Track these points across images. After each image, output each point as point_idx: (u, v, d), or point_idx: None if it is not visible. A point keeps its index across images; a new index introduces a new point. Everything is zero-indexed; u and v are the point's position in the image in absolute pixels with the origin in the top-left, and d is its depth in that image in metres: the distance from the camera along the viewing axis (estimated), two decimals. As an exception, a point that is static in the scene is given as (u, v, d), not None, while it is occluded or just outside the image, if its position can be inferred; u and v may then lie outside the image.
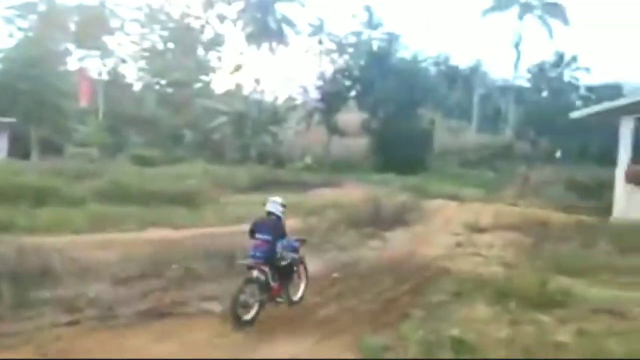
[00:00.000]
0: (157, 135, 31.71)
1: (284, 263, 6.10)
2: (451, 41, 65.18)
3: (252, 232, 6.19)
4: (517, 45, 43.42)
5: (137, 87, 41.33)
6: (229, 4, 42.00)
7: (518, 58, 43.88)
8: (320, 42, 53.29)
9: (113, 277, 7.02)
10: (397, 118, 32.33)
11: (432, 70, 53.99)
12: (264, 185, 20.37)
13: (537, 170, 30.92)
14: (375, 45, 50.63)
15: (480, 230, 12.84)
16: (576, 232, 12.38)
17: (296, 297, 6.51)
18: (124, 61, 40.50)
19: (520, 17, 42.98)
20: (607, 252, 10.38)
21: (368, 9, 49.88)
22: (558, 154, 35.27)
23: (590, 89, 49.21)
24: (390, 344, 5.37)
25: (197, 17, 42.75)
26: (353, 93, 37.43)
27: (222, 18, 42.81)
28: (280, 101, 40.72)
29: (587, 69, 51.30)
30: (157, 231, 10.86)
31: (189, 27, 42.16)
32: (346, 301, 7.13)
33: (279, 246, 6.05)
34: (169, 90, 40.06)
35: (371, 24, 52.35)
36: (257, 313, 5.80)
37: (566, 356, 5.05)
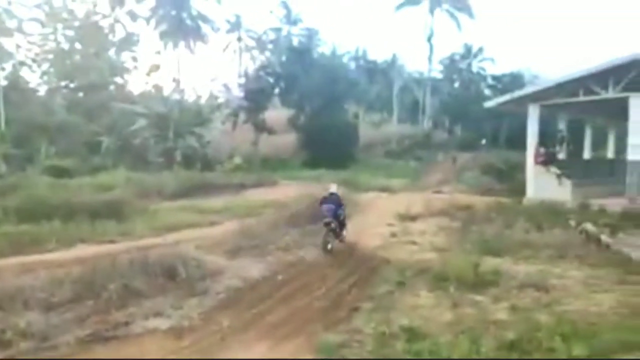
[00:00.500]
0: (72, 143, 29.45)
1: (341, 218, 10.28)
2: (368, 36, 67.22)
3: (321, 203, 10.24)
4: (429, 39, 45.68)
5: (43, 91, 38.21)
6: (139, 1, 40.04)
7: (431, 51, 46.22)
8: (239, 39, 52.56)
9: (44, 303, 6.48)
10: (323, 113, 32.82)
11: (352, 64, 55.33)
12: (193, 190, 19.73)
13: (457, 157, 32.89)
14: (295, 41, 50.88)
15: (412, 218, 13.42)
16: (497, 214, 13.37)
17: (342, 237, 10.45)
18: (24, 64, 37.21)
19: (431, 12, 45.24)
20: (525, 230, 11.34)
21: (285, 5, 50.02)
22: (483, 141, 37.88)
23: (495, 78, 53.26)
24: (345, 339, 5.51)
25: (105, 16, 40.29)
26: (277, 90, 37.35)
27: (133, 16, 40.73)
28: (202, 101, 39.68)
29: (492, 60, 55.33)
30: (87, 248, 10.17)
31: (97, 26, 39.59)
32: (296, 301, 7.17)
33: (340, 210, 10.25)
34: (80, 94, 37.42)
35: (289, 20, 52.53)
36: (332, 247, 9.88)
37: (504, 332, 5.46)
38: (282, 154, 32.77)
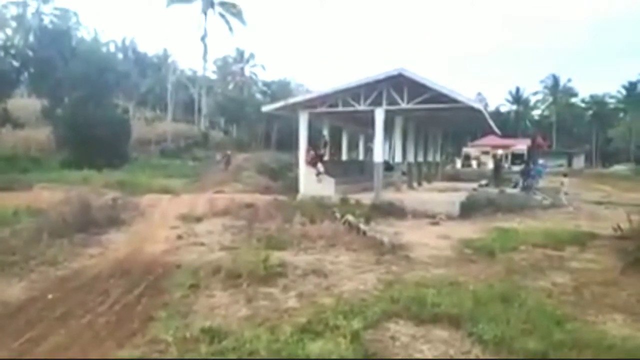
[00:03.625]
0: None
1: None
2: (136, 27, 63.26)
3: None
4: (203, 39, 45.70)
5: None
6: None
7: (205, 50, 46.34)
8: (-35, 7, 42.50)
9: None
10: (87, 106, 29.15)
11: (119, 55, 51.06)
12: None
13: (232, 157, 33.80)
14: (46, 21, 44.02)
15: (197, 219, 13.34)
16: (276, 210, 14.44)
17: None
18: None
19: (204, 12, 45.30)
20: (302, 224, 12.59)
21: (33, -22, 42.93)
22: (252, 144, 39.28)
23: (266, 84, 57.12)
24: (144, 351, 5.22)
25: None
26: (25, 75, 31.55)
27: None
28: None
29: (263, 66, 59.09)
30: None
31: None
32: (76, 321, 6.37)
33: None
34: None
35: (38, -4, 45.10)
36: None
37: (296, 318, 6.06)
38: (34, 152, 27.78)
